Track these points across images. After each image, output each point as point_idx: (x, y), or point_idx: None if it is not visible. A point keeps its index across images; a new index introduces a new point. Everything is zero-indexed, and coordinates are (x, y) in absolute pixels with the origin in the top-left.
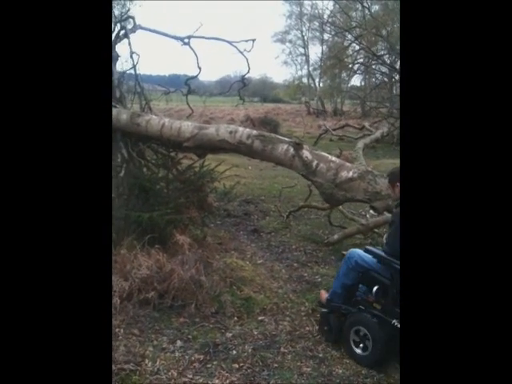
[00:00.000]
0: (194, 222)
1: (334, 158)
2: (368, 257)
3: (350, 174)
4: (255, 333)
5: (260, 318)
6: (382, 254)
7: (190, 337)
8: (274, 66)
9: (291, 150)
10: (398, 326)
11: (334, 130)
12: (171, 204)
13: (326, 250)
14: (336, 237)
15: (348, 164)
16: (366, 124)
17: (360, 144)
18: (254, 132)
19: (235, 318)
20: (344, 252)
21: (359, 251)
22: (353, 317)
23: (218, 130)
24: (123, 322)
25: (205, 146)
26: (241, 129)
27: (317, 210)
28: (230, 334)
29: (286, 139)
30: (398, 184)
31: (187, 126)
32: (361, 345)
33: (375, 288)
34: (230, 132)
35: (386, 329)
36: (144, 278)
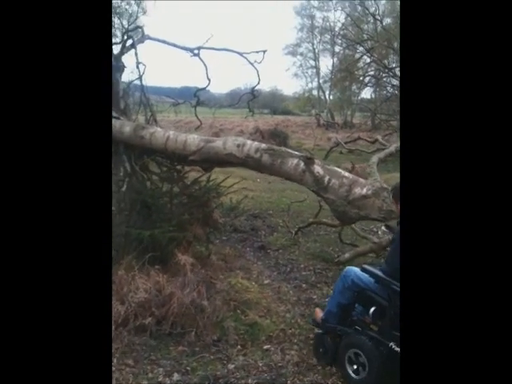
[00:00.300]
0: (198, 238)
1: (347, 174)
2: (365, 276)
3: (364, 190)
4: (260, 364)
5: (265, 347)
6: (380, 273)
7: (188, 368)
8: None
9: (301, 164)
10: (396, 349)
11: (346, 143)
12: (174, 221)
13: (337, 269)
14: (347, 255)
15: (362, 180)
16: (379, 137)
17: (374, 159)
18: (263, 145)
19: (238, 347)
20: None
21: (356, 269)
22: (348, 338)
23: (225, 143)
24: (117, 350)
25: (211, 160)
26: (249, 142)
27: (327, 226)
28: (233, 366)
29: (297, 153)
30: None
31: (193, 139)
32: (356, 368)
33: (372, 309)
34: (238, 145)
35: (384, 352)
36: (141, 302)
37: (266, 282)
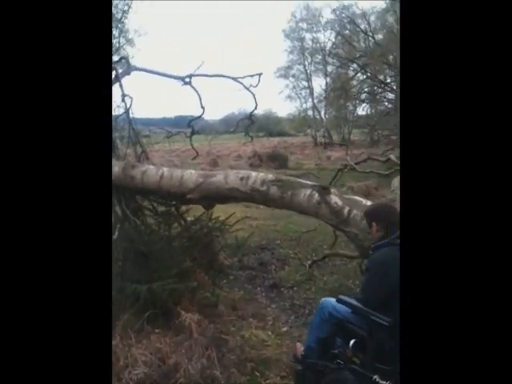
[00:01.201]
0: (203, 286)
1: (369, 203)
2: (342, 307)
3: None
4: None
5: None
6: (356, 303)
7: None
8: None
9: (316, 195)
10: (381, 382)
11: (356, 163)
12: (175, 269)
13: None
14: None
15: None
16: (392, 156)
17: (396, 182)
18: (270, 176)
19: None
20: None
21: (332, 300)
22: (330, 375)
23: (226, 176)
24: None
25: (212, 197)
26: (253, 174)
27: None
28: None
29: (309, 183)
30: (374, 224)
31: (190, 175)
32: None
33: (352, 341)
34: (241, 178)
35: None
36: (141, 379)
37: (283, 329)
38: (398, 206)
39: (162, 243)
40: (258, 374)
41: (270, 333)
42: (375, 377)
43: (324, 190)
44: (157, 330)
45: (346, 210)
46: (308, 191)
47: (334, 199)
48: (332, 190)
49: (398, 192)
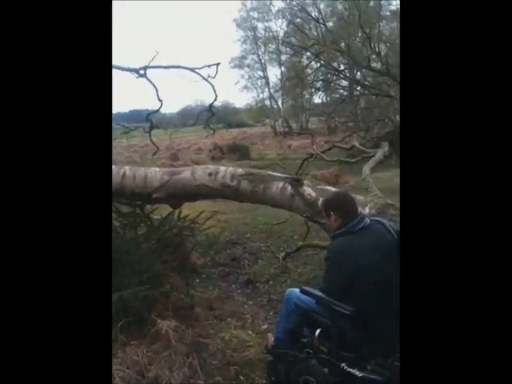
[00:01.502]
0: (176, 289)
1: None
2: (306, 297)
3: (367, 210)
4: None
5: None
6: (319, 293)
7: None
8: (235, 91)
9: (289, 187)
10: (348, 369)
11: (322, 152)
12: (145, 275)
13: None
14: None
15: (361, 198)
16: (356, 143)
17: (367, 170)
18: (240, 171)
19: None
20: None
21: (298, 291)
22: (300, 365)
23: (193, 172)
24: None
25: (180, 195)
26: (222, 168)
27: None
28: None
29: (281, 175)
30: (332, 213)
31: (154, 173)
32: None
33: (318, 331)
34: (210, 174)
35: (336, 375)
36: None
37: (263, 327)
38: (374, 194)
39: (129, 247)
40: (242, 377)
41: (250, 332)
42: (343, 364)
43: (297, 182)
44: (132, 342)
45: (320, 201)
46: (280, 184)
47: (308, 191)
48: (305, 182)
49: (370, 179)
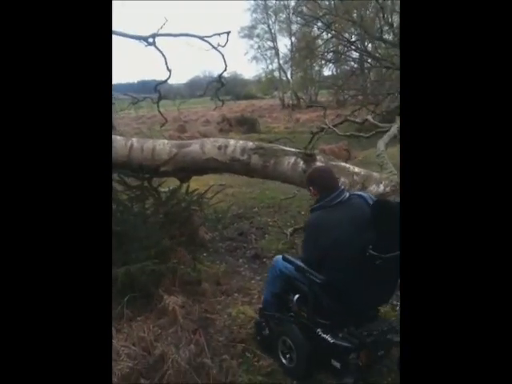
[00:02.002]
0: (183, 263)
1: (357, 169)
2: (289, 264)
3: (381, 187)
4: None
5: None
6: (298, 261)
7: None
8: (244, 62)
9: (301, 163)
10: (323, 335)
11: (334, 126)
12: (153, 249)
13: None
14: None
15: (376, 175)
16: (369, 117)
17: (381, 146)
18: (250, 144)
19: None
20: None
21: None
22: (281, 327)
23: (203, 146)
24: None
25: (188, 168)
26: (232, 142)
27: None
28: None
29: (293, 150)
30: (312, 188)
31: (163, 146)
32: (287, 356)
33: (296, 296)
34: (219, 147)
35: (312, 339)
36: (127, 374)
37: None
38: (390, 171)
39: (137, 221)
40: (248, 355)
41: (257, 308)
42: (318, 330)
43: (309, 157)
44: (139, 318)
45: None
46: (292, 159)
47: None
48: (318, 157)
49: (385, 155)
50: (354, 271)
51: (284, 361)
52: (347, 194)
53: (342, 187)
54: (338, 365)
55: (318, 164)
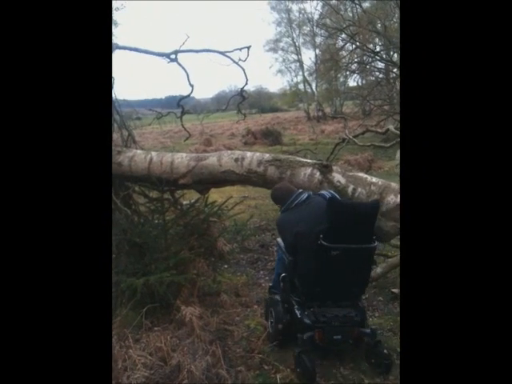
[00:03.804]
0: (203, 275)
1: (374, 179)
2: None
3: (400, 198)
4: None
5: None
6: (281, 245)
7: None
8: (269, 75)
9: (317, 173)
10: (296, 311)
11: (354, 136)
12: (172, 260)
13: (369, 287)
14: (379, 270)
15: (394, 185)
16: (391, 127)
17: (399, 156)
18: (267, 156)
19: None
20: (394, 290)
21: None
22: (271, 300)
23: (220, 159)
24: None
25: (206, 181)
26: (249, 154)
27: None
28: None
29: (309, 161)
30: (276, 203)
31: (181, 159)
32: (272, 323)
33: (282, 275)
34: (236, 160)
35: (288, 311)
36: (142, 383)
37: None
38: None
39: (157, 232)
40: (266, 367)
41: None
42: (295, 305)
43: (325, 168)
44: (156, 328)
45: (351, 188)
46: (308, 170)
47: (337, 177)
48: (334, 168)
49: None
50: (313, 259)
51: (269, 328)
52: (305, 196)
53: (299, 191)
54: (300, 337)
55: (335, 174)
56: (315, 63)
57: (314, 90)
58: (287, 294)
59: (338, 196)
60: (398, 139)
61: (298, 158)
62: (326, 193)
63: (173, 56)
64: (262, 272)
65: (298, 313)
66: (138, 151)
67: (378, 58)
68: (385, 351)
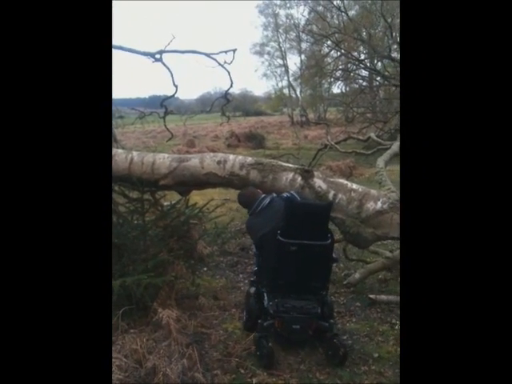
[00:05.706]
0: (181, 277)
1: (355, 186)
2: None
3: (379, 204)
4: None
5: None
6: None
7: None
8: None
9: (299, 178)
10: (265, 299)
11: (337, 143)
12: (150, 262)
13: (347, 292)
14: (357, 275)
15: (374, 192)
16: (372, 134)
17: (381, 163)
18: (249, 160)
19: None
20: (371, 296)
21: None
22: (247, 292)
23: (202, 161)
24: None
25: (187, 183)
26: (231, 157)
27: None
28: None
29: (291, 165)
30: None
31: (163, 160)
32: (245, 313)
33: (254, 269)
34: (219, 162)
35: (259, 296)
36: None
37: None
38: (388, 188)
39: (136, 233)
40: (242, 371)
41: None
42: (265, 294)
43: (307, 174)
44: (132, 330)
45: (331, 194)
46: (290, 175)
47: (318, 183)
48: (315, 173)
49: (384, 173)
50: (274, 254)
51: (244, 317)
52: (267, 200)
53: (262, 196)
54: (261, 323)
55: (316, 180)
56: (300, 69)
57: (299, 95)
58: (258, 286)
59: (297, 197)
60: (379, 147)
61: (281, 163)
62: (285, 196)
63: (158, 56)
64: (241, 275)
65: (265, 303)
66: (119, 150)
67: (362, 65)
68: (340, 344)
